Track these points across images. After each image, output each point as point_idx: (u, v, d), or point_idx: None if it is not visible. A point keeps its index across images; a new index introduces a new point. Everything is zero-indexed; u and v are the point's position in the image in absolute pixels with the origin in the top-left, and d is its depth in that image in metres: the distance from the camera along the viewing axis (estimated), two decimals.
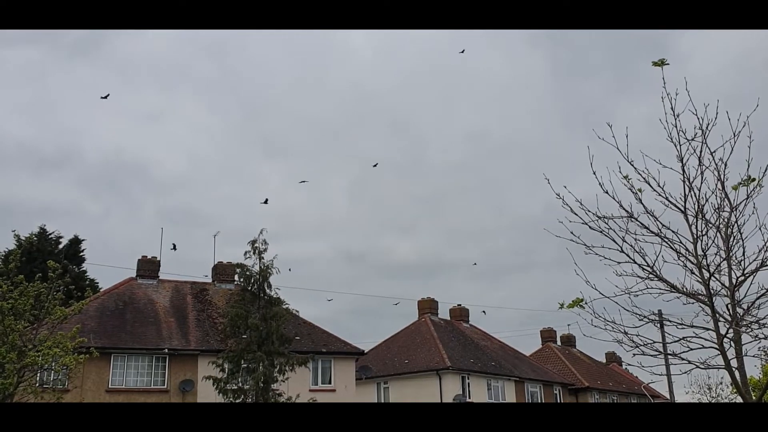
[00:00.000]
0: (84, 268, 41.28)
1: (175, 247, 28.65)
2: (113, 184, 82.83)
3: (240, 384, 23.29)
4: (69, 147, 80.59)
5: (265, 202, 26.82)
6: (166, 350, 26.73)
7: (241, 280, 25.65)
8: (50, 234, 40.64)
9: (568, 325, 48.82)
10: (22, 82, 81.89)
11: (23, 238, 32.47)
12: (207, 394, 24.63)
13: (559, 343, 51.38)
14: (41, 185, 77.01)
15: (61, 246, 40.65)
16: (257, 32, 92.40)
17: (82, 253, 41.99)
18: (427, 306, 42.42)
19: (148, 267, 31.75)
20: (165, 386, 26.49)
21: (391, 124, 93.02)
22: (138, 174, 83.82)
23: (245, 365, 23.57)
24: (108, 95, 25.36)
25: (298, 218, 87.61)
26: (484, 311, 64.58)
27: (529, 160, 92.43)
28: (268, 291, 24.90)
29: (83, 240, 42.36)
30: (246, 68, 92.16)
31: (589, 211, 7.20)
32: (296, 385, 25.14)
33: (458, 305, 44.77)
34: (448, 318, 43.86)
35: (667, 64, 6.56)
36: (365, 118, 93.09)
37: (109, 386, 25.45)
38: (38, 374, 16.87)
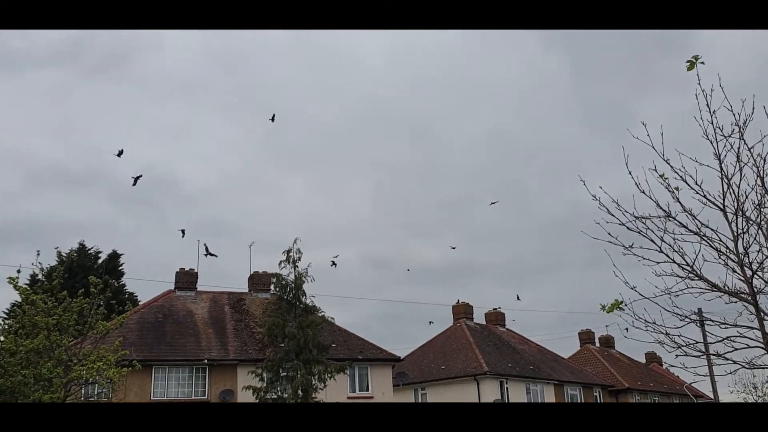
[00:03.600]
0: (123, 282, 42.12)
1: (207, 250, 28.52)
2: (144, 199, 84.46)
3: (279, 393, 23.49)
4: (98, 165, 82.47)
5: (119, 154, 25.78)
6: (206, 361, 27.09)
7: (277, 289, 25.92)
8: (89, 249, 41.56)
9: (607, 326, 48.22)
10: (49, 103, 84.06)
11: (64, 255, 33.18)
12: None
13: (597, 344, 50.68)
14: (73, 203, 78.82)
15: (100, 261, 41.52)
16: (276, 46, 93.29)
17: (120, 268, 42.85)
18: (462, 311, 42.20)
19: (186, 279, 32.22)
20: (205, 396, 26.82)
21: (411, 130, 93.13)
22: (167, 189, 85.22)
23: (284, 374, 23.77)
24: (122, 152, 25.53)
25: (323, 226, 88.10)
26: (513, 319, 63.98)
27: (551, 161, 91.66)
28: (303, 299, 25.10)
29: (121, 254, 43.26)
30: (265, 82, 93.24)
31: (626, 211, 7.14)
32: (334, 393, 25.24)
33: (494, 309, 44.46)
34: (484, 322, 43.59)
35: (702, 62, 6.48)
36: (384, 125, 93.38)
37: (152, 398, 25.86)
38: (83, 388, 17.23)
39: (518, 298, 55.65)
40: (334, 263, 30.98)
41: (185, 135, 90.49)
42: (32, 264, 41.60)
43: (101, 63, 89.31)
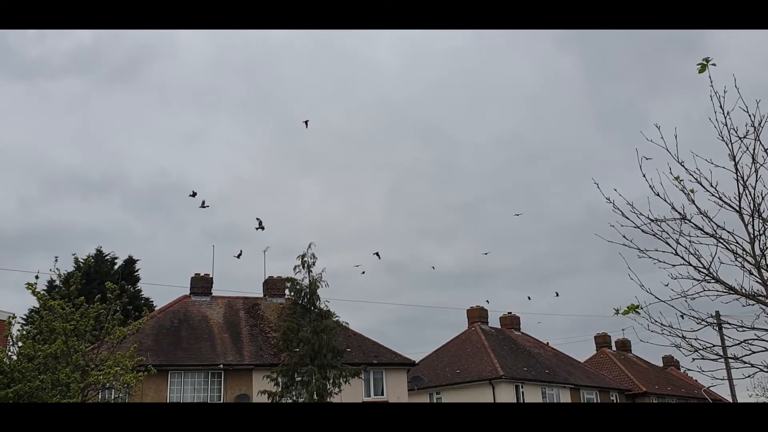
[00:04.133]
0: (139, 288, 42.46)
1: (261, 224, 27.85)
2: (158, 205, 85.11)
3: (295, 397, 23.54)
4: (114, 171, 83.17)
5: (193, 195, 26.26)
6: (221, 366, 27.22)
7: (292, 293, 26.00)
8: (106, 255, 41.92)
9: (623, 329, 47.86)
10: (67, 111, 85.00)
11: (81, 261, 33.49)
12: None
13: (614, 348, 50.32)
14: (90, 209, 79.63)
15: (116, 267, 41.86)
16: (286, 52, 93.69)
17: (136, 273, 43.19)
18: (477, 314, 42.09)
19: (202, 284, 32.43)
20: (221, 401, 26.92)
21: (422, 133, 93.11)
22: (182, 194, 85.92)
23: (299, 378, 23.83)
24: (240, 254, 26.60)
25: (336, 231, 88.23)
26: (539, 321, 63.60)
27: (564, 163, 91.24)
28: (317, 304, 25.17)
29: (137, 260, 43.59)
30: (277, 87, 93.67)
31: (641, 214, 7.10)
32: (349, 397, 25.27)
33: (509, 313, 44.30)
34: (499, 326, 43.43)
35: (714, 64, 6.44)
36: (396, 129, 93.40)
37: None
38: (100, 393, 17.36)
39: (529, 299, 55.19)
40: (362, 270, 30.97)
41: (199, 141, 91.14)
42: (50, 270, 42.06)
43: (117, 71, 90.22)
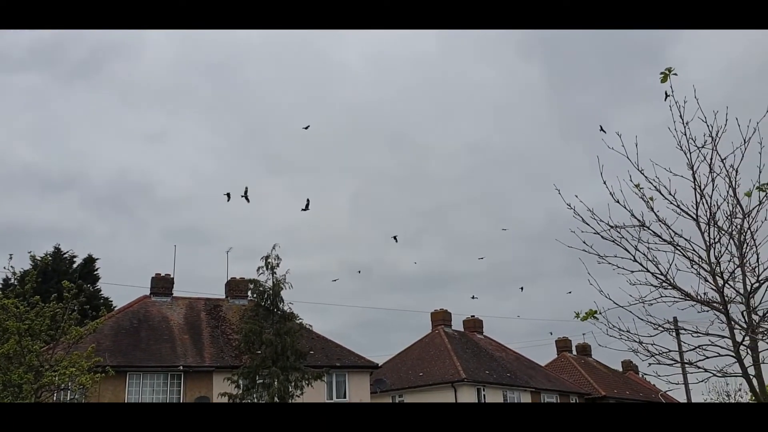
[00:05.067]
0: (98, 287, 41.62)
1: (246, 193, 26.97)
2: (119, 204, 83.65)
3: (255, 400, 23.31)
4: (74, 169, 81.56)
5: (234, 195, 25.74)
6: (181, 367, 26.82)
7: (255, 295, 25.73)
8: (64, 254, 41.03)
9: (583, 334, 48.50)
10: (26, 106, 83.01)
11: (38, 259, 32.72)
12: None
13: (574, 352, 51.01)
14: (48, 207, 77.92)
15: (75, 266, 41.00)
16: (253, 52, 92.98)
17: (96, 272, 42.35)
18: (441, 318, 42.27)
19: (162, 284, 31.94)
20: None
21: (390, 138, 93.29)
22: (143, 194, 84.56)
23: (260, 381, 23.59)
24: (308, 205, 25.69)
25: (302, 234, 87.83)
26: (518, 315, 63.71)
27: (529, 170, 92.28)
28: (281, 306, 24.96)
29: (97, 259, 42.76)
30: (244, 88, 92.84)
31: (601, 220, 7.20)
32: (311, 400, 25.11)
33: (472, 316, 44.58)
34: (462, 329, 43.68)
35: (675, 74, 6.57)
36: (364, 133, 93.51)
37: None
38: (55, 394, 16.96)
39: (522, 290, 55.17)
40: (334, 279, 30.82)
41: (163, 140, 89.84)
42: (4, 268, 41.00)
43: (79, 67, 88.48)
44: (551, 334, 47.12)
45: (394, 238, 27.82)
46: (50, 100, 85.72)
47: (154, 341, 28.22)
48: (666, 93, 6.66)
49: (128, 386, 25.91)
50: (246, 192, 25.02)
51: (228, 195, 25.66)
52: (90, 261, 42.23)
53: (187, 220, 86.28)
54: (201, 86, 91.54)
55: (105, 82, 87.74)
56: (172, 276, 32.52)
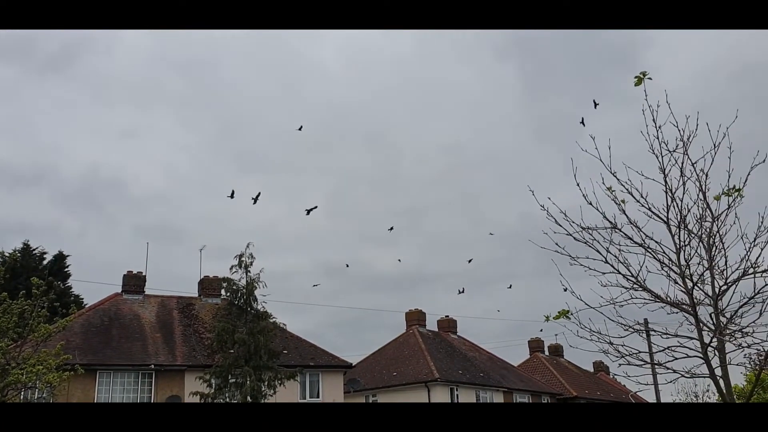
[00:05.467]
0: (69, 285, 41.01)
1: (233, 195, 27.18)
2: (90, 200, 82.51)
3: (228, 399, 23.13)
4: (45, 164, 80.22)
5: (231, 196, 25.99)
6: (153, 366, 26.51)
7: (228, 294, 25.52)
8: (34, 250, 40.36)
9: (556, 335, 48.97)
10: None
11: (7, 255, 32.14)
12: None
13: (547, 353, 51.45)
14: (17, 202, 76.40)
15: (45, 262, 40.35)
16: (229, 49, 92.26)
17: (66, 269, 41.73)
18: (415, 317, 42.34)
19: (134, 282, 31.54)
20: (152, 402, 26.24)
21: (366, 138, 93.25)
22: (115, 190, 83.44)
23: (233, 380, 23.41)
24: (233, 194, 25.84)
25: (276, 233, 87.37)
26: (498, 310, 63.33)
27: (503, 172, 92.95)
28: (254, 305, 24.80)
29: (68, 256, 42.13)
30: (219, 85, 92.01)
31: (573, 222, 7.27)
32: (284, 399, 24.99)
33: (446, 316, 44.72)
34: (436, 329, 43.81)
35: (650, 78, 6.65)
36: (339, 133, 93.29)
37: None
38: (22, 392, 16.65)
39: (461, 291, 54.97)
40: (315, 284, 30.44)
41: (135, 136, 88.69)
42: None
43: (52, 61, 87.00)
44: (541, 331, 47.38)
45: (390, 229, 26.88)
46: (21, 94, 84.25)
47: (125, 339, 27.86)
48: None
49: (98, 385, 25.54)
50: (257, 196, 25.15)
51: (232, 193, 25.67)
52: (61, 258, 41.60)
53: (159, 217, 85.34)
54: (175, 82, 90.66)
55: (78, 77, 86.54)
56: (144, 274, 32.16)
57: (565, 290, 7.22)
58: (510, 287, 63.13)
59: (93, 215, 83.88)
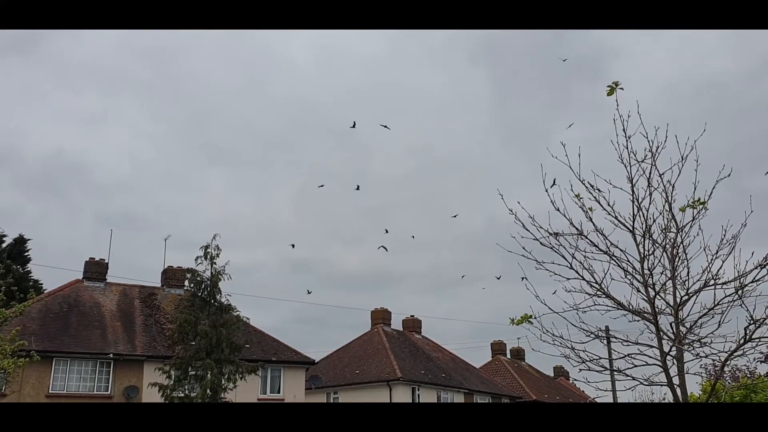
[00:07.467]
0: (29, 269, 40.13)
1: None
2: (52, 185, 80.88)
3: (187, 392, 22.84)
4: (6, 146, 78.39)
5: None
6: (111, 355, 26.08)
7: (192, 285, 25.18)
8: None
9: (518, 338, 49.43)
10: None
11: None
12: (152, 401, 24.09)
13: (508, 356, 51.91)
14: None
15: (4, 245, 39.42)
16: (199, 40, 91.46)
17: (27, 254, 40.83)
18: (381, 316, 42.37)
19: (96, 269, 30.98)
20: (109, 392, 25.82)
21: (336, 137, 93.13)
22: (78, 176, 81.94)
23: (193, 372, 23.12)
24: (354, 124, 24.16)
25: (242, 226, 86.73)
26: (483, 287, 63.50)
27: (470, 175, 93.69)
28: (218, 297, 24.52)
29: (28, 240, 41.21)
30: (188, 76, 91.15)
31: (540, 227, 7.31)
32: (245, 394, 24.79)
33: (411, 316, 44.85)
34: (401, 329, 43.89)
35: (622, 88, 6.71)
36: (309, 130, 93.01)
37: (50, 391, 24.67)
38: None
39: (463, 277, 53.73)
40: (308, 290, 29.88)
41: (101, 123, 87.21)
42: None
43: (15, 42, 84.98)
44: (511, 324, 47.44)
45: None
46: None
47: (83, 327, 27.35)
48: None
49: (54, 372, 25.04)
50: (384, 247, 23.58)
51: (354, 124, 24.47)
52: (21, 241, 40.69)
53: (123, 205, 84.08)
54: (142, 70, 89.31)
55: (42, 59, 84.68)
56: (107, 261, 31.61)
57: (536, 297, 7.25)
58: (484, 289, 63.47)
59: (55, 200, 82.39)
